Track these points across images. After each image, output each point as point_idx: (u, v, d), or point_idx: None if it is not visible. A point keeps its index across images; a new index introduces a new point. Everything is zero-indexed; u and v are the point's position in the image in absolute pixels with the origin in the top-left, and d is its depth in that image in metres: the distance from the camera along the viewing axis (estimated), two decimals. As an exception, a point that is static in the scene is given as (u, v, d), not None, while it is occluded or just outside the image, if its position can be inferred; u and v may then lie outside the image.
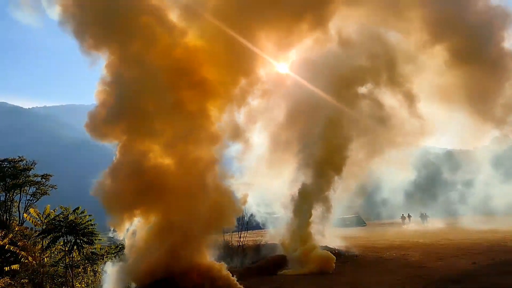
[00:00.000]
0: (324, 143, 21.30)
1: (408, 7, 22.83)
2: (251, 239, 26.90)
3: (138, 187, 15.85)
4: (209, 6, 18.36)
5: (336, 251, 21.51)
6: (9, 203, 29.85)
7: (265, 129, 24.52)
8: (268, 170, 24.44)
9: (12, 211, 30.06)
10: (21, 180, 29.80)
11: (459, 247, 22.26)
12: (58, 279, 22.96)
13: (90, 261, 24.83)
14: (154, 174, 16.13)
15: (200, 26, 18.12)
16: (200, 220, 15.99)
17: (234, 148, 21.06)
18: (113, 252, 25.85)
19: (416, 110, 23.64)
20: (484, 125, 26.17)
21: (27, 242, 23.03)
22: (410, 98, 23.47)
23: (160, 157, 16.93)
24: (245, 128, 20.63)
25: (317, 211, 21.22)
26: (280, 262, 19.67)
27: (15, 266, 21.13)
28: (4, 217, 29.25)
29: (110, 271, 16.80)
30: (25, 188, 30.60)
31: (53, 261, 24.08)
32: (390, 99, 23.98)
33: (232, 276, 15.13)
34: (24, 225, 28.14)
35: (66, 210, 21.94)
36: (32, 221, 22.87)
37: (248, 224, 26.39)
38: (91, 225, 21.57)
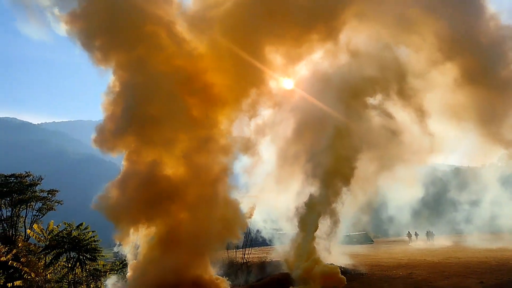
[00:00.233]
0: (332, 153, 20.84)
1: (418, 23, 22.80)
2: (257, 256, 26.68)
3: (147, 197, 15.84)
4: (218, 18, 18.57)
5: (343, 269, 21.22)
6: (15, 218, 29.86)
7: (273, 143, 24.37)
8: (275, 186, 24.08)
9: (18, 226, 30.07)
10: (27, 196, 29.82)
11: (466, 266, 21.89)
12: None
13: (94, 278, 24.70)
14: (164, 185, 16.14)
15: (209, 39, 18.36)
16: (208, 234, 15.94)
17: (242, 162, 21.02)
18: (117, 268, 25.71)
19: (427, 127, 23.53)
20: (493, 146, 25.99)
21: (32, 258, 22.97)
22: (420, 114, 23.38)
23: (170, 167, 16.95)
24: (255, 141, 20.66)
25: (324, 225, 20.77)
26: (284, 280, 19.35)
27: (18, 283, 21.04)
28: (10, 232, 29.25)
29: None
30: (31, 203, 30.63)
31: (58, 277, 23.98)
32: (400, 114, 23.83)
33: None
34: (30, 240, 28.12)
35: (69, 226, 21.91)
36: (35, 237, 22.83)
37: (255, 240, 26.18)
38: (94, 241, 21.51)
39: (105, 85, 18.96)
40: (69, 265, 21.16)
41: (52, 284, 22.79)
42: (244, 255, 24.04)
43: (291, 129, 23.55)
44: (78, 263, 21.02)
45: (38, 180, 31.49)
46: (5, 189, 28.89)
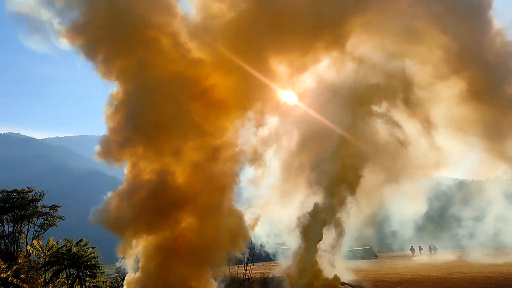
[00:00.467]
0: (337, 161, 20.49)
1: (425, 35, 22.82)
2: (259, 271, 26.40)
3: (153, 206, 15.70)
4: (223, 27, 18.66)
5: (346, 284, 20.95)
6: (17, 234, 29.79)
7: (277, 155, 24.14)
8: (279, 199, 23.81)
9: (20, 242, 29.97)
10: (29, 211, 29.82)
11: (471, 281, 21.56)
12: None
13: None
14: (172, 194, 16.00)
15: (211, 48, 18.42)
16: (213, 245, 15.81)
17: (246, 174, 20.88)
18: (118, 285, 25.44)
19: (433, 139, 23.38)
20: (497, 162, 25.83)
21: (33, 275, 22.79)
22: (427, 125, 23.26)
23: (178, 176, 16.83)
24: (262, 152, 20.57)
25: (328, 237, 20.27)
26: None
27: (18, 299, 20.88)
28: (12, 248, 29.15)
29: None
30: (33, 219, 30.57)
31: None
32: (406, 125, 23.57)
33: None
34: (31, 257, 27.98)
35: (69, 242, 21.77)
36: (35, 254, 22.69)
37: (258, 255, 25.90)
38: (94, 257, 21.33)
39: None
40: (69, 282, 20.96)
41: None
42: (245, 270, 23.78)
43: (295, 141, 23.42)
44: (77, 280, 20.82)
45: (40, 196, 31.51)
46: (7, 205, 28.92)
